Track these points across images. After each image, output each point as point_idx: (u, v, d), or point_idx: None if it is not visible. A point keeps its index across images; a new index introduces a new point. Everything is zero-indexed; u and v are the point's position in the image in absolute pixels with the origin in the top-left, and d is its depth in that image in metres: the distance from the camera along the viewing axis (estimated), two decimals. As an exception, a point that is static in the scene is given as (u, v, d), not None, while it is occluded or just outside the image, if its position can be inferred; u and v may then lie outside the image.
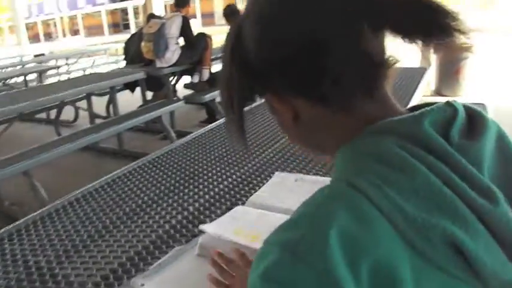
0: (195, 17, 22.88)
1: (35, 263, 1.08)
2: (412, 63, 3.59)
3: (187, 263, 0.97)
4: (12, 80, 6.41)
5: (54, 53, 12.04)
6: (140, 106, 4.82)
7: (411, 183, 0.43)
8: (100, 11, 31.54)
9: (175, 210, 1.27)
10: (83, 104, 5.10)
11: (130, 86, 5.12)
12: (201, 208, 1.27)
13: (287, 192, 1.24)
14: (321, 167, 1.45)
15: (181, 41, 4.78)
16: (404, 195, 0.42)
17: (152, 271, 0.95)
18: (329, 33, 0.47)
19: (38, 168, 3.04)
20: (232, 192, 1.35)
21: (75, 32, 34.09)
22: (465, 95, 5.24)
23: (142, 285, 0.90)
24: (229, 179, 1.45)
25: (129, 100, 5.30)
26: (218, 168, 1.55)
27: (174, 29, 4.62)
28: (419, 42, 0.46)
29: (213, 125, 2.13)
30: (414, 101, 2.21)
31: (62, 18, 35.02)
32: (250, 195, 1.28)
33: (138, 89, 5.09)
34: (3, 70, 7.20)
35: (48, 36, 35.55)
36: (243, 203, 1.24)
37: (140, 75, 4.58)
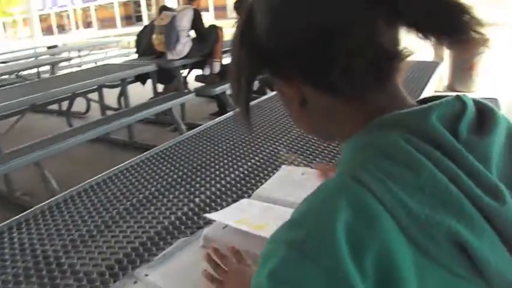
0: (207, 10, 22.88)
1: (42, 252, 1.09)
2: (426, 56, 3.54)
3: (191, 254, 0.97)
4: (26, 72, 6.47)
5: (67, 45, 12.12)
6: (151, 98, 4.83)
7: (416, 179, 0.42)
8: (113, 3, 31.67)
9: (181, 202, 1.27)
10: (94, 95, 5.14)
11: (142, 78, 5.13)
12: (207, 200, 1.27)
13: (293, 185, 1.23)
14: (328, 161, 1.44)
15: (193, 34, 4.78)
16: (409, 191, 0.41)
17: (157, 262, 0.95)
18: (340, 24, 0.46)
19: (49, 159, 3.07)
20: (238, 185, 1.35)
21: (88, 25, 34.31)
22: (478, 90, 5.16)
23: (147, 275, 0.91)
24: (236, 172, 1.45)
25: (140, 92, 5.32)
26: (225, 161, 1.55)
27: (185, 21, 4.61)
28: (433, 39, 0.45)
29: (222, 117, 2.13)
30: (425, 95, 2.19)
31: (75, 10, 35.26)
32: (257, 188, 1.27)
33: (149, 81, 5.11)
34: (17, 62, 7.26)
35: (62, 28, 35.83)
36: (249, 196, 1.23)
37: (151, 67, 4.59)
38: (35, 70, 6.65)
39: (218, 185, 1.36)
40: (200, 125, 2.06)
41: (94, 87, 4.83)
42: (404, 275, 0.39)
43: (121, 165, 1.60)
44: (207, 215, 1.06)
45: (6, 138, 3.93)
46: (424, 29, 0.45)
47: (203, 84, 4.91)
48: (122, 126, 3.77)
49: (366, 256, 0.39)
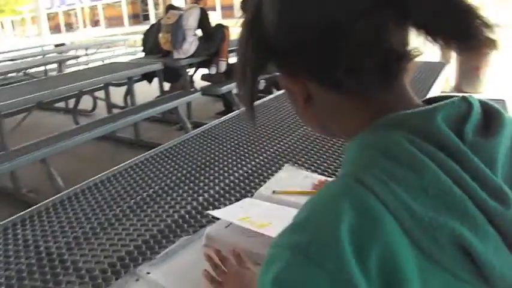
0: (214, 9, 22.91)
1: (45, 249, 1.10)
2: (433, 57, 3.52)
3: (194, 252, 0.97)
4: (33, 70, 6.51)
5: (74, 44, 12.19)
6: (157, 97, 4.85)
7: (420, 181, 0.41)
8: (120, 2, 31.81)
9: (184, 201, 1.27)
10: (101, 94, 5.16)
11: (148, 77, 5.15)
12: (211, 199, 1.27)
13: (295, 186, 1.22)
14: (331, 161, 1.44)
15: (199, 33, 4.78)
16: (412, 193, 0.41)
17: (159, 260, 0.95)
18: (349, 22, 0.45)
19: (56, 156, 3.09)
20: (242, 184, 1.35)
21: (95, 23, 34.49)
22: (486, 91, 5.13)
23: (149, 273, 0.91)
24: (240, 171, 1.44)
25: (147, 91, 5.34)
26: (230, 160, 1.55)
27: (191, 20, 4.62)
28: (441, 43, 0.44)
29: (227, 116, 2.13)
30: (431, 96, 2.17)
31: (83, 8, 35.47)
32: (260, 187, 1.27)
33: (155, 80, 5.12)
34: (24, 60, 7.31)
35: (69, 26, 36.07)
36: (252, 195, 1.23)
37: (158, 66, 4.60)
38: (42, 68, 6.70)
39: (222, 184, 1.36)
40: (206, 123, 2.06)
41: (101, 86, 4.85)
42: (408, 277, 0.39)
43: (125, 163, 1.60)
44: (210, 212, 1.06)
45: (13, 135, 3.95)
46: (433, 31, 0.44)
47: (209, 83, 4.92)
48: (128, 125, 3.78)
49: (370, 257, 0.38)
